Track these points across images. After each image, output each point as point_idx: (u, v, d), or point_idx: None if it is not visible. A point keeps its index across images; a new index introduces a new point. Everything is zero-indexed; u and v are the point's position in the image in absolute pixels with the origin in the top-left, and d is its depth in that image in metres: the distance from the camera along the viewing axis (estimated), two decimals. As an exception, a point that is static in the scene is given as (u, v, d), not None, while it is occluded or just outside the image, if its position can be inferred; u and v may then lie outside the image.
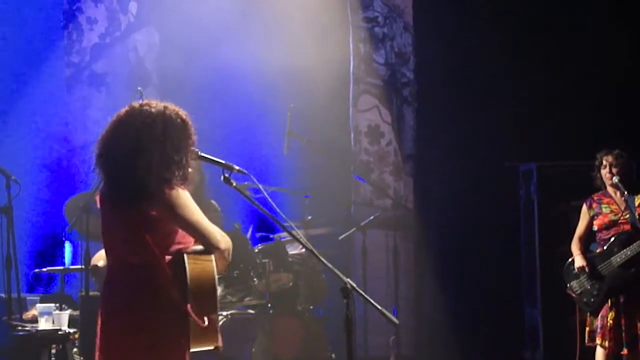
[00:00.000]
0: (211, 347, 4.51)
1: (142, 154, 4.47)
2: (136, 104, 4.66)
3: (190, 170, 4.65)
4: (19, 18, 9.74)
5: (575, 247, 7.95)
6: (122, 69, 9.97)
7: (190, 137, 4.64)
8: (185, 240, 4.57)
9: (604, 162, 7.86)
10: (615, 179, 7.76)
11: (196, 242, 4.61)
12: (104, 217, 4.65)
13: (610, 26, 9.88)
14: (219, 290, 4.61)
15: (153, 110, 4.59)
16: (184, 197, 4.53)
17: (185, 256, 4.48)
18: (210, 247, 4.54)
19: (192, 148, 4.66)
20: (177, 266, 4.47)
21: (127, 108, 4.64)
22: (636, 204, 7.75)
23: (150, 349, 4.44)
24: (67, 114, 9.84)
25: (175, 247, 4.53)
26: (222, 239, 4.58)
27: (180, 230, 4.55)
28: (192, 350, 4.47)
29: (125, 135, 4.53)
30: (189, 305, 4.38)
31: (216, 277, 4.48)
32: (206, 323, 4.40)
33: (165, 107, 4.62)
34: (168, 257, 4.49)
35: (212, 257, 4.53)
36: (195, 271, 4.45)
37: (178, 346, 4.45)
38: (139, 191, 4.47)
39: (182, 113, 4.65)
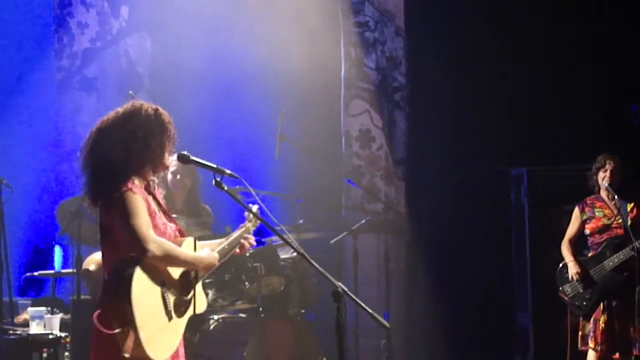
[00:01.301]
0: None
1: (114, 153, 4.54)
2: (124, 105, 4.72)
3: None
4: (8, 22, 9.72)
5: (567, 251, 7.95)
6: (114, 74, 9.96)
7: (165, 132, 4.65)
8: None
9: (607, 165, 7.84)
10: (605, 183, 7.78)
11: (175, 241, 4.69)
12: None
13: (602, 26, 9.95)
14: (156, 298, 4.56)
15: (120, 110, 4.66)
16: (132, 201, 4.50)
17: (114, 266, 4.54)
18: (139, 252, 4.46)
19: (169, 143, 4.67)
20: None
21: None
22: (628, 209, 7.78)
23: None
24: (58, 118, 9.83)
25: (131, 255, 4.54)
26: (153, 246, 4.46)
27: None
28: None
29: (101, 135, 4.63)
30: (95, 313, 4.45)
31: (133, 286, 4.41)
32: (114, 331, 4.38)
33: (132, 105, 4.67)
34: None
35: (137, 266, 4.46)
36: (112, 280, 4.51)
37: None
38: (102, 191, 4.55)
39: (152, 107, 4.67)
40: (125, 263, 4.47)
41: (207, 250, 4.86)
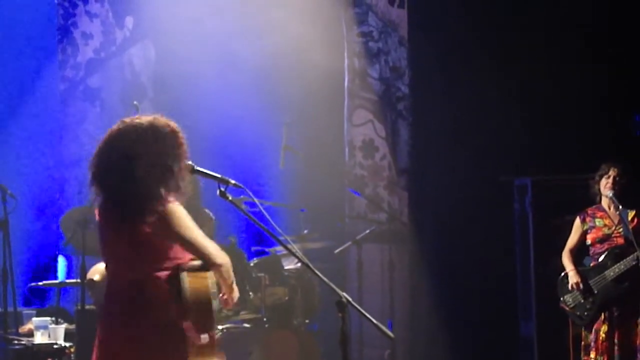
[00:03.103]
0: None
1: (136, 168, 4.51)
2: (127, 118, 4.71)
3: (184, 182, 4.68)
4: (12, 33, 9.73)
5: (567, 261, 7.97)
6: (118, 84, 9.98)
7: (181, 147, 4.67)
8: (182, 256, 4.59)
9: (611, 172, 7.85)
10: (610, 193, 7.78)
11: (193, 258, 4.63)
12: (102, 232, 4.68)
13: (605, 36, 9.97)
14: (215, 305, 4.58)
15: (143, 122, 4.64)
16: (180, 212, 4.55)
17: (184, 273, 4.49)
18: (207, 263, 4.55)
19: (185, 158, 4.69)
20: (175, 282, 4.48)
21: (118, 123, 4.69)
22: (629, 218, 7.79)
23: None
24: (62, 128, 9.84)
25: (172, 262, 4.54)
26: (219, 254, 4.59)
27: (175, 246, 4.57)
28: None
29: (117, 150, 4.58)
30: (186, 323, 4.42)
31: (212, 293, 4.48)
32: (204, 340, 4.42)
33: (154, 118, 4.68)
34: (165, 273, 4.51)
35: (209, 273, 4.54)
36: (193, 287, 4.46)
37: None
38: (133, 206, 4.50)
39: (172, 123, 4.70)
40: (199, 271, 4.54)
41: None
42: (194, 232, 4.56)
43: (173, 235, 4.52)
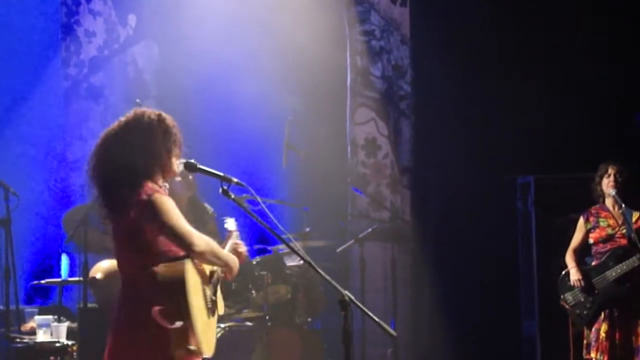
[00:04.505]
0: (191, 351, 4.53)
1: (122, 162, 4.60)
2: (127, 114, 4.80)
3: (179, 173, 4.74)
4: (15, 31, 9.73)
5: (570, 259, 7.96)
6: (121, 82, 9.99)
7: (170, 137, 4.72)
8: (172, 248, 4.61)
9: (610, 171, 7.85)
10: (613, 192, 7.77)
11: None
12: (112, 228, 4.74)
13: (606, 35, 9.96)
14: (201, 295, 4.63)
15: (123, 119, 4.73)
16: (165, 203, 4.57)
17: (161, 264, 4.54)
18: (186, 248, 4.55)
19: (176, 147, 4.74)
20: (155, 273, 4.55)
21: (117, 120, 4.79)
22: (633, 219, 7.77)
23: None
24: (65, 126, 9.84)
25: (162, 255, 4.58)
26: (199, 242, 4.55)
27: (164, 239, 4.59)
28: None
29: (108, 145, 4.69)
30: (155, 308, 4.43)
31: (187, 281, 4.48)
32: (175, 325, 4.43)
33: (134, 113, 4.75)
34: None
35: (187, 261, 4.54)
36: (165, 276, 4.49)
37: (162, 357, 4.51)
38: (121, 199, 4.57)
39: (154, 113, 4.76)
40: (170, 260, 4.55)
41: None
42: (179, 221, 4.55)
43: (157, 223, 4.52)
